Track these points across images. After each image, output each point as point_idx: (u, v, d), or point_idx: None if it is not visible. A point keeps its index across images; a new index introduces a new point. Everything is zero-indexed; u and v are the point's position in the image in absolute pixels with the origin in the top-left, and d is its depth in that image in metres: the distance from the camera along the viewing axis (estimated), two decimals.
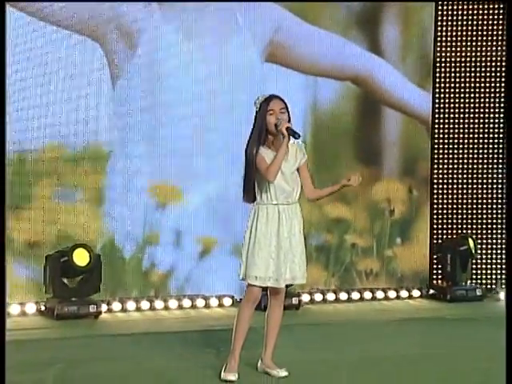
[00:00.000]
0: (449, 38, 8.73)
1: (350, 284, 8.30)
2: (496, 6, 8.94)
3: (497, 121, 8.95)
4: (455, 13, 8.83)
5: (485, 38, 8.94)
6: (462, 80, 8.84)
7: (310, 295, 8.12)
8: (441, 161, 8.77)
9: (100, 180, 7.52)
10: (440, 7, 8.65)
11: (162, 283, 7.68)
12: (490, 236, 8.85)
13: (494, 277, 8.84)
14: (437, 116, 8.68)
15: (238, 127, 7.46)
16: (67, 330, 7.20)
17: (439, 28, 8.65)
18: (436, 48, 8.60)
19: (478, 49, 8.90)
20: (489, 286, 8.82)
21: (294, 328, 6.85)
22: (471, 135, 8.82)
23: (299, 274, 5.19)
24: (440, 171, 8.79)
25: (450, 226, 8.78)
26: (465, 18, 8.82)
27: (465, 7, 8.81)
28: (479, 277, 8.87)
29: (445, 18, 8.73)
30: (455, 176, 8.82)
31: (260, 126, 5.11)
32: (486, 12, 8.90)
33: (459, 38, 8.83)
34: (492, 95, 8.95)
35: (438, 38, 8.61)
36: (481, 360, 6.08)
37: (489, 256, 8.85)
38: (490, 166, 8.88)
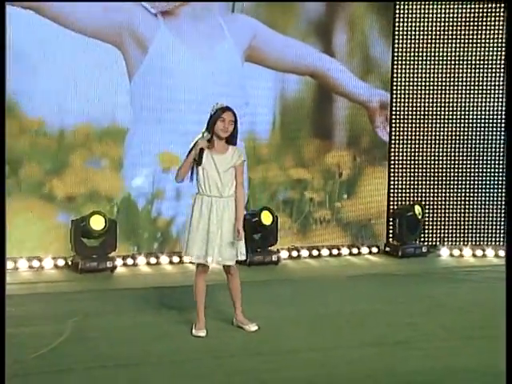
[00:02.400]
0: (406, 36, 8.85)
1: (309, 228, 8.64)
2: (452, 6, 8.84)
3: (450, 101, 8.97)
4: (412, 12, 8.88)
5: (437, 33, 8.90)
6: (418, 60, 8.90)
7: (289, 251, 8.43)
8: (398, 138, 8.97)
9: (119, 151, 7.88)
10: (398, 8, 8.80)
11: (166, 228, 8.05)
12: (436, 201, 9.02)
13: (437, 236, 9.07)
14: (394, 103, 8.89)
15: None
16: (87, 283, 7.30)
17: (397, 25, 8.82)
18: (394, 41, 8.80)
19: (431, 40, 8.89)
20: (433, 244, 8.99)
21: (270, 283, 7.25)
22: (426, 117, 8.95)
23: (226, 257, 5.19)
24: (397, 147, 8.98)
25: (403, 194, 9.02)
26: (422, 16, 8.88)
27: (423, 7, 8.87)
28: (427, 236, 9.04)
29: (402, 17, 8.84)
30: (411, 151, 8.99)
31: (209, 129, 5.11)
32: (444, 11, 8.87)
33: (416, 34, 8.90)
34: (446, 74, 8.94)
35: (396, 32, 8.81)
36: (413, 315, 6.05)
37: (434, 218, 9.04)
38: (441, 144, 8.97)
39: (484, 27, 8.97)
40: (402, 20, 8.84)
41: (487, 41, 8.94)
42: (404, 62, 8.87)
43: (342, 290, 7.15)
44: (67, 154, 7.73)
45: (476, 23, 8.95)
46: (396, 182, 9.00)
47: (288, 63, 8.38)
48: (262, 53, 8.25)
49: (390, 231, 8.97)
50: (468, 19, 8.91)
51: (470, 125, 9.00)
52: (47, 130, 7.63)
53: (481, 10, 8.94)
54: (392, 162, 8.94)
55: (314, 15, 8.45)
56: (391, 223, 8.91)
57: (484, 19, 8.95)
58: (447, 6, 8.87)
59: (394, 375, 4.57)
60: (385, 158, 8.89)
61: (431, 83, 8.94)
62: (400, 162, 8.98)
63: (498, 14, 8.94)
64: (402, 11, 8.82)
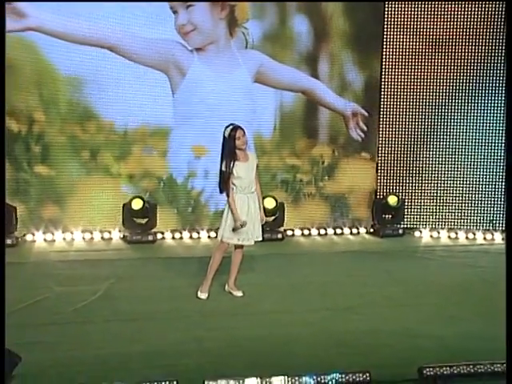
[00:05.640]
0: (395, 35, 8.76)
1: (299, 200, 8.95)
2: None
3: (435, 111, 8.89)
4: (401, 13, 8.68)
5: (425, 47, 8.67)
6: (407, 69, 8.80)
7: (292, 231, 8.68)
8: (385, 134, 9.03)
9: (165, 143, 8.46)
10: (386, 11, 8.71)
11: (198, 197, 8.62)
12: (412, 191, 9.08)
13: (411, 220, 9.13)
14: (382, 109, 8.95)
15: (237, 117, 7.52)
16: (131, 252, 7.33)
17: (385, 26, 8.76)
18: (383, 40, 8.81)
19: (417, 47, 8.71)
20: (408, 226, 9.05)
21: (269, 257, 7.15)
22: (412, 116, 8.93)
23: (259, 235, 5.32)
24: (384, 143, 9.05)
25: (388, 186, 9.13)
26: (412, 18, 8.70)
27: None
28: (406, 219, 9.08)
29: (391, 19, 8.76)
30: (396, 150, 9.04)
31: (231, 147, 5.05)
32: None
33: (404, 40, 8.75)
34: (430, 76, 8.72)
35: (385, 31, 8.81)
36: (367, 286, 5.99)
37: (411, 205, 9.06)
38: (424, 144, 8.99)
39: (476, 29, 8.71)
40: (391, 22, 8.80)
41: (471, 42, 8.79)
42: (393, 64, 8.87)
43: (324, 263, 7.13)
44: (129, 146, 8.41)
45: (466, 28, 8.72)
46: (383, 174, 9.15)
47: (285, 83, 8.74)
48: (266, 76, 8.62)
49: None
50: (455, 23, 8.71)
51: (453, 126, 8.95)
52: (116, 129, 8.30)
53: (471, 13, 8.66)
54: (379, 158, 9.09)
55: (304, 49, 8.84)
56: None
57: (476, 22, 8.69)
58: (438, 6, 8.61)
59: (330, 334, 4.60)
60: (356, 152, 9.17)
61: (417, 86, 8.85)
62: (385, 158, 9.13)
63: (494, 14, 8.66)
64: (390, 13, 8.79)
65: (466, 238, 8.95)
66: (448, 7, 8.71)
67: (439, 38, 8.80)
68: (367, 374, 3.80)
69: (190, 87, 8.41)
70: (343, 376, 3.75)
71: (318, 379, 3.71)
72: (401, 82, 8.99)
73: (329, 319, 4.97)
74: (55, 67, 8.01)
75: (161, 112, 8.44)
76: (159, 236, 8.26)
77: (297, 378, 3.68)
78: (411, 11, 8.78)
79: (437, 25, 8.74)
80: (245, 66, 8.59)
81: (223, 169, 5.11)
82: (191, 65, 8.37)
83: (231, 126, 5.13)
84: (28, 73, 7.96)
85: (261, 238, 5.39)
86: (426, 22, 8.75)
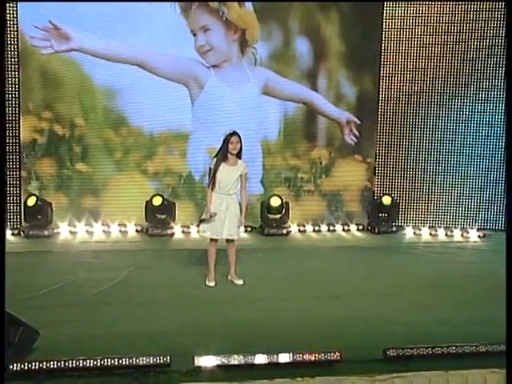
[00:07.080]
0: (394, 35, 8.42)
1: (300, 195, 8.79)
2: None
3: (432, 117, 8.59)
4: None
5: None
6: (405, 76, 8.51)
7: (298, 227, 8.56)
8: (384, 140, 8.79)
9: (184, 145, 8.48)
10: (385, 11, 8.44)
11: None
12: (405, 192, 8.80)
13: (403, 218, 8.89)
14: (379, 117, 8.72)
15: (247, 124, 8.07)
16: (150, 244, 7.19)
17: (384, 25, 8.46)
18: (382, 41, 8.52)
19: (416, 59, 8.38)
20: (401, 224, 8.79)
21: (272, 250, 7.03)
22: (408, 122, 8.64)
23: (233, 232, 5.17)
24: (382, 149, 8.81)
25: (385, 187, 8.86)
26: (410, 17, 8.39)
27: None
28: (401, 218, 8.82)
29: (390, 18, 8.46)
30: (393, 154, 8.81)
31: (224, 149, 5.11)
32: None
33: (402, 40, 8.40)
34: (425, 83, 8.40)
35: (383, 41, 8.52)
36: (357, 277, 5.79)
37: (405, 206, 8.82)
38: (421, 149, 8.69)
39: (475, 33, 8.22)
40: (389, 24, 8.50)
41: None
42: (391, 68, 8.58)
43: (322, 257, 6.93)
44: (155, 147, 8.49)
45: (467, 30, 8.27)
46: (380, 176, 8.94)
47: (288, 96, 8.68)
48: (272, 89, 8.59)
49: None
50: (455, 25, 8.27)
51: (447, 131, 8.62)
52: (144, 132, 8.41)
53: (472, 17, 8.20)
54: (377, 161, 8.91)
55: (305, 66, 8.73)
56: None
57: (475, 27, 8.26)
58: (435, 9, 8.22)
59: (316, 319, 4.52)
60: (349, 154, 8.95)
61: (413, 89, 8.53)
62: (383, 161, 8.92)
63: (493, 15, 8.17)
64: (389, 14, 8.49)
65: (447, 235, 8.64)
66: (447, 8, 8.33)
67: (437, 40, 8.44)
68: (338, 354, 3.79)
69: (207, 98, 8.45)
70: (318, 355, 3.73)
71: (319, 357, 3.69)
72: (397, 86, 8.71)
73: (318, 306, 4.90)
74: (94, 80, 8.27)
75: (181, 119, 8.49)
76: (177, 229, 8.21)
77: (300, 355, 3.68)
78: (410, 14, 8.42)
79: (435, 27, 8.36)
80: (254, 81, 8.59)
81: (211, 166, 5.17)
82: (208, 79, 8.42)
83: (230, 131, 5.11)
84: (71, 86, 8.25)
85: (236, 237, 5.26)
86: (425, 24, 8.39)
